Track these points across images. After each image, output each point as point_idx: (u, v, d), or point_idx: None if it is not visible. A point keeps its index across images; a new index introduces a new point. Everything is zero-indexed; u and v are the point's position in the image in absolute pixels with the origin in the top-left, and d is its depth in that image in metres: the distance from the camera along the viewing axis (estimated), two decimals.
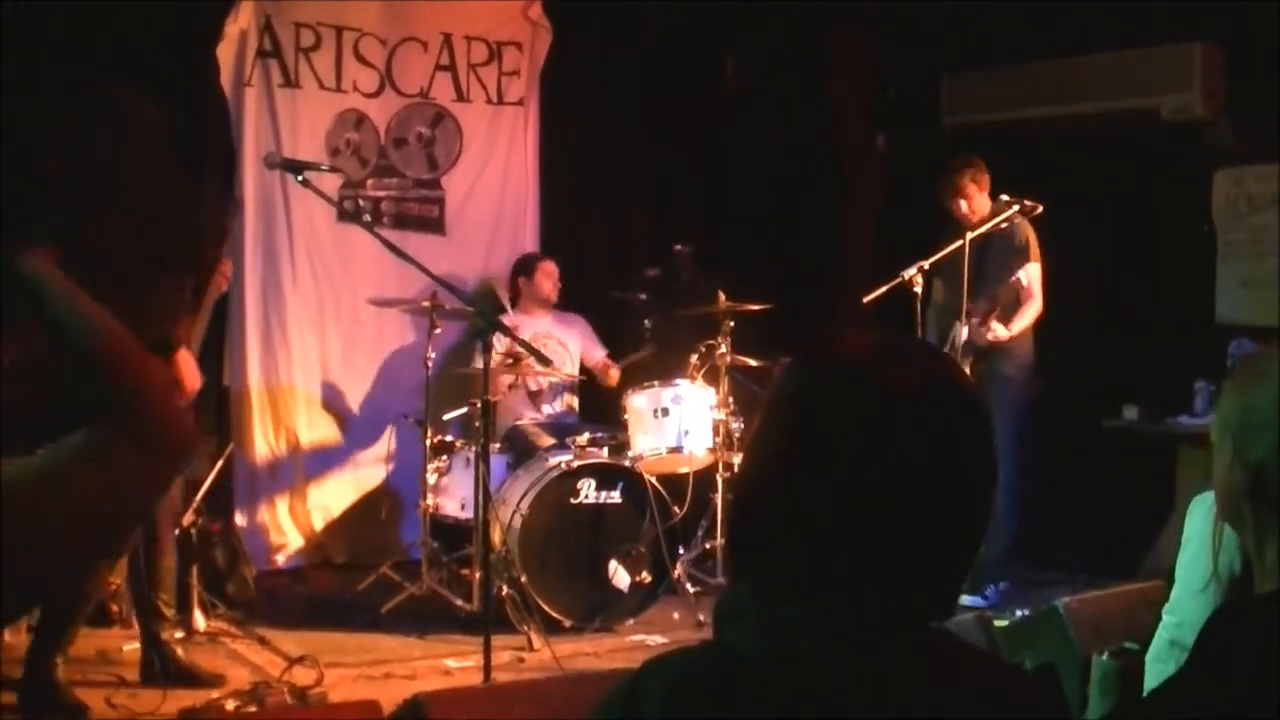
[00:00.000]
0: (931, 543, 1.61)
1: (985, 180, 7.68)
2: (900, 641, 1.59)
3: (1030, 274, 7.58)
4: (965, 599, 7.20)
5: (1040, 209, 7.43)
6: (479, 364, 6.31)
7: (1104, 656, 2.80)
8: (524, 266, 8.34)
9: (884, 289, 7.10)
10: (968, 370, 7.32)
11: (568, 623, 6.95)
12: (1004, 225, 7.46)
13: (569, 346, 8.33)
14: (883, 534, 1.58)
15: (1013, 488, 7.48)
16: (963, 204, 7.63)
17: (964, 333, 7.44)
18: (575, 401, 8.46)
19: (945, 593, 1.65)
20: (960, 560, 1.65)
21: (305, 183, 6.11)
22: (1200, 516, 3.11)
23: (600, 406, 8.37)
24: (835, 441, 1.60)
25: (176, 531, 6.62)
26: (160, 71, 7.73)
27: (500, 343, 7.41)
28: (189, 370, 5.81)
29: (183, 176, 6.13)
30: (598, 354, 8.45)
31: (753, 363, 7.69)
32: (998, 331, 7.45)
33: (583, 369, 8.41)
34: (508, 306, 8.23)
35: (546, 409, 8.25)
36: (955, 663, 1.64)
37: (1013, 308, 7.57)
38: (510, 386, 7.98)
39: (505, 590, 6.88)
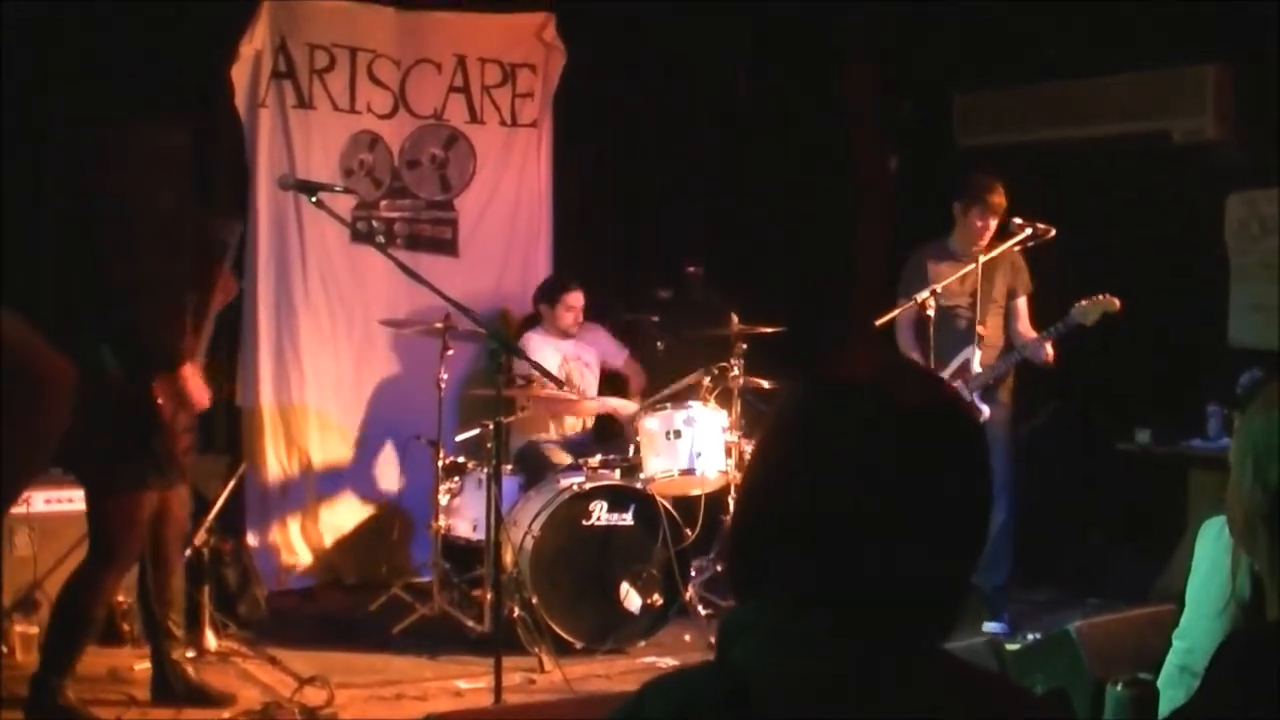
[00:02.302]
0: (934, 559, 1.62)
1: None
2: (904, 656, 1.60)
3: (1023, 305, 7.65)
4: (990, 626, 7.23)
5: (1053, 232, 7.42)
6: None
7: (1118, 687, 2.79)
8: (547, 293, 8.28)
9: (897, 311, 7.10)
10: (978, 397, 7.34)
11: (579, 644, 6.95)
12: (1017, 250, 7.45)
13: (592, 367, 8.34)
14: (885, 551, 1.59)
15: (1013, 512, 7.48)
16: (994, 225, 7.52)
17: (976, 360, 7.40)
18: (591, 422, 8.47)
19: (947, 608, 1.66)
20: (962, 576, 1.67)
21: (319, 204, 6.13)
22: (1210, 541, 3.11)
23: (616, 427, 8.36)
24: (838, 460, 1.62)
25: (188, 552, 6.65)
26: (175, 92, 7.81)
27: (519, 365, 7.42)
28: (195, 385, 5.83)
29: (192, 196, 6.17)
30: (620, 357, 8.45)
31: (765, 384, 7.68)
32: (1049, 353, 7.43)
33: (608, 379, 8.43)
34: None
35: (569, 426, 8.25)
36: (960, 679, 1.65)
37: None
38: (521, 408, 7.98)
39: (516, 611, 6.89)
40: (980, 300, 7.39)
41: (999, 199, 7.47)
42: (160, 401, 5.66)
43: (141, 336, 5.65)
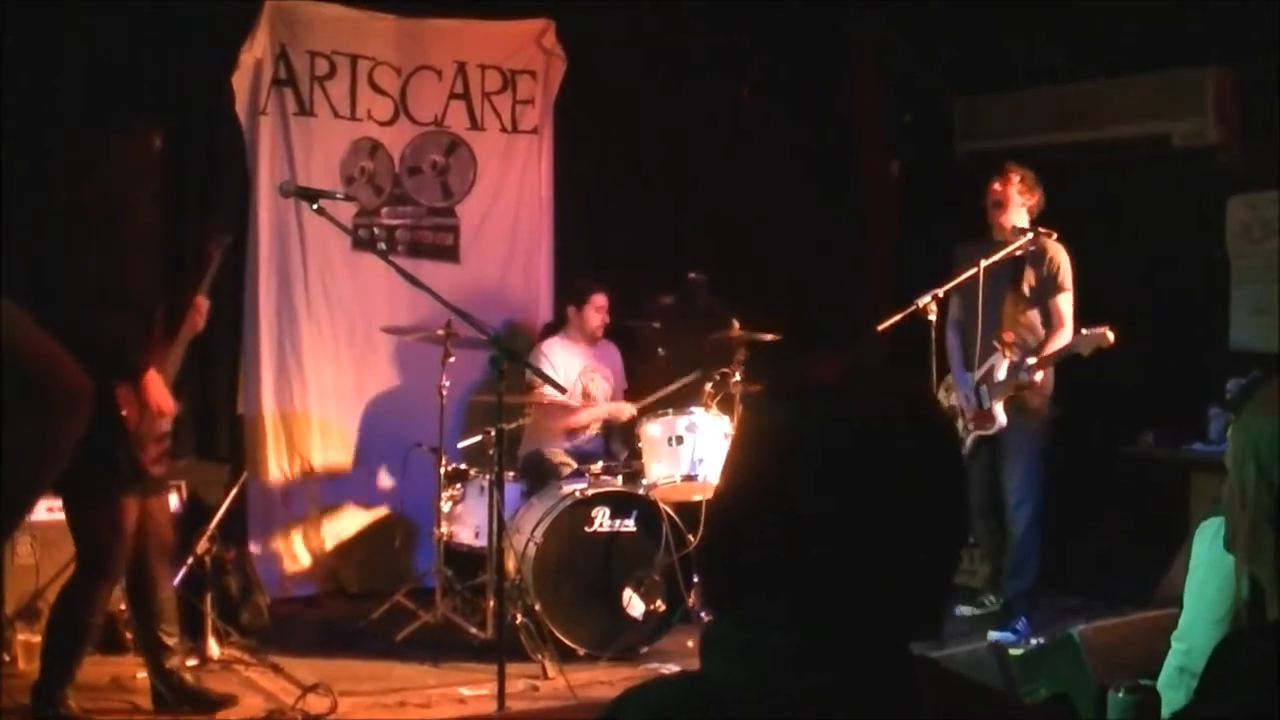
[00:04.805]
0: (907, 567, 1.60)
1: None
2: (879, 666, 1.59)
3: (1064, 304, 7.48)
4: (994, 634, 7.19)
5: (1054, 235, 7.43)
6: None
7: (1120, 693, 2.79)
8: (575, 295, 8.28)
9: (898, 317, 7.10)
10: (1001, 403, 7.33)
11: (582, 651, 6.94)
12: (1028, 251, 7.44)
13: (609, 379, 8.33)
14: (858, 560, 1.58)
15: (1040, 520, 7.46)
16: (998, 209, 7.55)
17: (1004, 365, 7.39)
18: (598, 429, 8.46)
19: (924, 615, 1.65)
20: (935, 584, 1.65)
21: (320, 211, 6.14)
22: (1207, 542, 3.09)
23: (628, 435, 8.32)
24: (807, 471, 1.60)
25: (190, 560, 6.65)
26: (176, 99, 7.82)
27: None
28: (157, 393, 5.75)
29: (164, 204, 6.12)
30: (621, 388, 8.43)
31: None
32: (1036, 378, 7.38)
33: None
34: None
35: (584, 439, 8.22)
36: (937, 687, 1.64)
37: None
38: (525, 415, 7.98)
39: (519, 618, 6.88)
40: (1002, 302, 7.44)
41: (993, 183, 7.55)
42: (124, 412, 5.63)
43: (102, 344, 5.47)
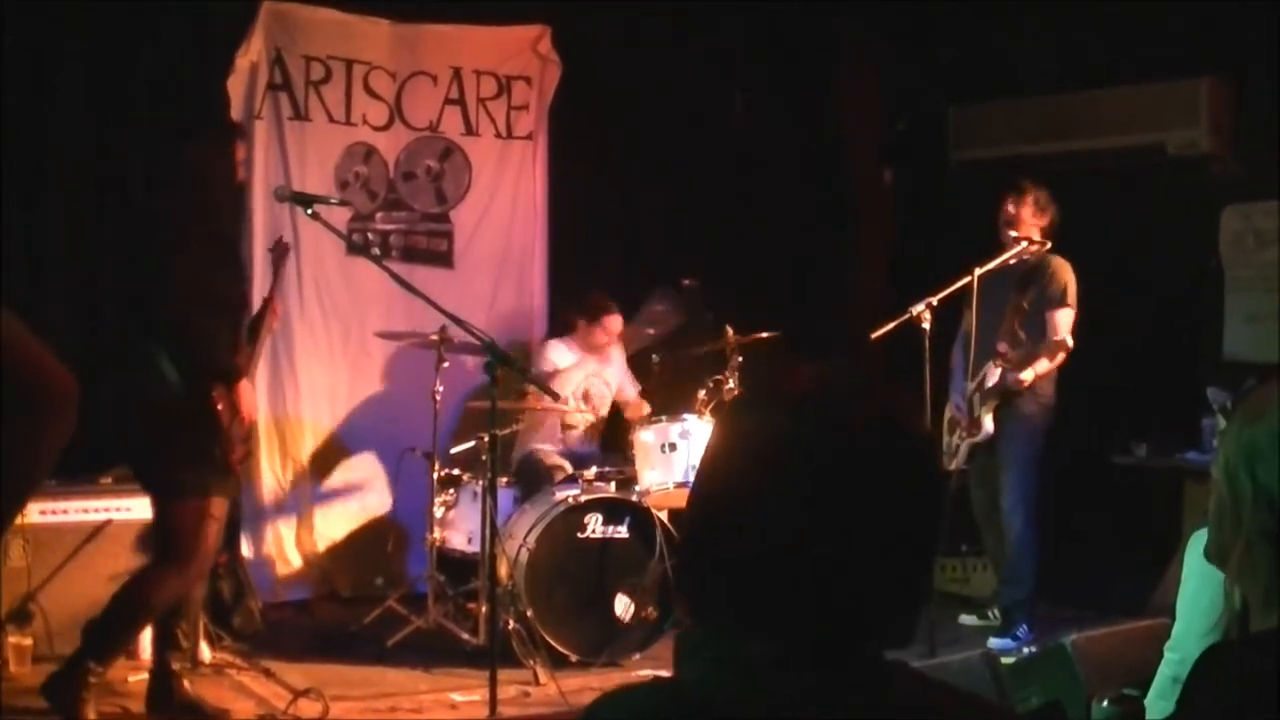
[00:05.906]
0: (882, 575, 1.60)
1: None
2: (855, 673, 1.60)
3: (1061, 319, 7.45)
4: (995, 642, 7.17)
5: (1048, 245, 7.44)
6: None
7: (1104, 704, 2.79)
8: (589, 310, 8.22)
9: (892, 325, 7.09)
10: (990, 411, 7.34)
11: (574, 657, 6.94)
12: (1033, 266, 7.46)
13: (611, 386, 8.34)
14: (834, 568, 1.58)
15: (1033, 527, 7.46)
16: (1009, 230, 7.53)
17: (995, 374, 7.40)
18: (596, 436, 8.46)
19: (899, 622, 1.64)
20: (911, 591, 1.65)
21: (315, 216, 6.16)
22: (1199, 552, 3.09)
23: (624, 440, 8.31)
24: (785, 479, 1.60)
25: None
26: (170, 104, 7.81)
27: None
28: (249, 401, 5.89)
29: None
30: (631, 390, 8.44)
31: None
32: (1023, 377, 7.37)
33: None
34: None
35: (575, 442, 8.23)
36: (913, 692, 1.64)
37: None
38: (517, 421, 7.97)
39: (512, 624, 6.87)
40: (1003, 316, 7.43)
41: (1007, 201, 7.53)
42: (219, 407, 5.70)
43: (199, 348, 5.70)
